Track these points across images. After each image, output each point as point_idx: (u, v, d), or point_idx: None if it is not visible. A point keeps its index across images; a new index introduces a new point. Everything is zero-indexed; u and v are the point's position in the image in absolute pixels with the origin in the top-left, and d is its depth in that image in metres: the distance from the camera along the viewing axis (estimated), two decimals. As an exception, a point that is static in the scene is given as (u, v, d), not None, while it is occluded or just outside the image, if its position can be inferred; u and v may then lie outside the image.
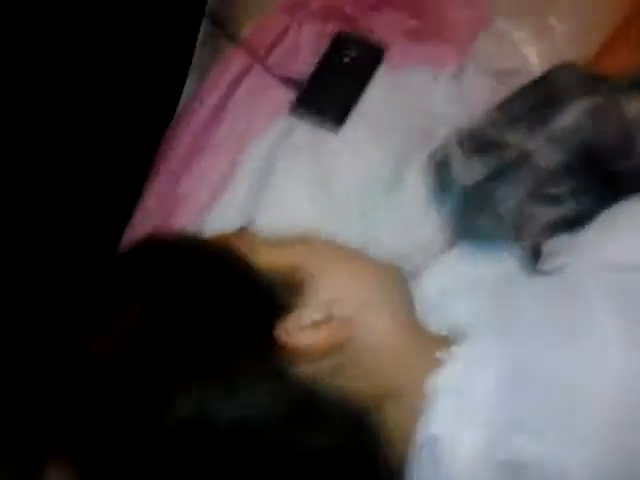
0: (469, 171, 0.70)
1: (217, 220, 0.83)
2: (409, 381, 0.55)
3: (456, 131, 0.72)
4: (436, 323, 0.65)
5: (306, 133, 0.85)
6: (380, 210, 0.80)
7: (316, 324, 0.54)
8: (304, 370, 0.52)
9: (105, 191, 1.12)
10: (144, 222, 0.85)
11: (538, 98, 0.70)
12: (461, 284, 0.67)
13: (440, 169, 0.73)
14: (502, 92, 0.73)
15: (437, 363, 0.56)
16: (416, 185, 0.79)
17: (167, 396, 0.51)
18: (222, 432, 0.51)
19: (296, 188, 0.82)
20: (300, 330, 0.53)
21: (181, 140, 0.86)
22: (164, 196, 0.86)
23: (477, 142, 0.70)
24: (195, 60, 0.96)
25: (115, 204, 0.94)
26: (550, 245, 0.63)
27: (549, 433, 0.48)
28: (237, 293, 0.54)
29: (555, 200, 0.66)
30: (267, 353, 0.52)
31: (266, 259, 0.57)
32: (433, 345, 0.58)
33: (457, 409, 0.52)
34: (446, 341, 0.59)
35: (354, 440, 0.52)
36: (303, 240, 0.61)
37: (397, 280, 0.63)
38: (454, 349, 0.56)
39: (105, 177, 1.12)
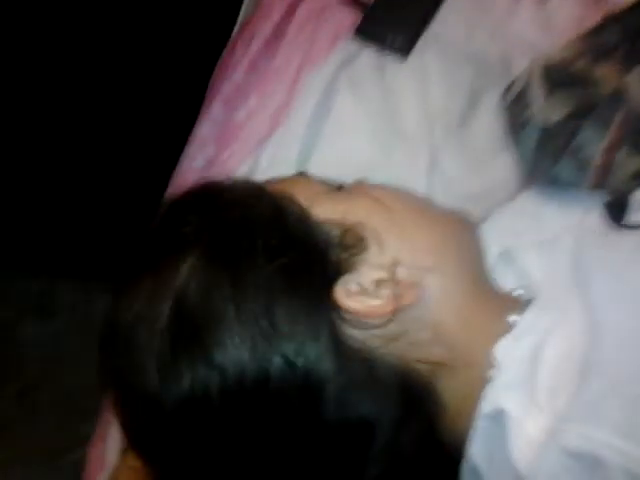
0: (550, 108, 0.63)
1: (274, 154, 0.78)
2: (475, 348, 0.50)
3: (537, 62, 0.65)
4: (506, 278, 0.60)
5: (370, 61, 0.78)
6: (449, 147, 0.74)
7: (378, 286, 0.49)
8: (362, 335, 0.48)
9: (159, 116, 1.10)
10: (199, 152, 0.81)
11: (634, 26, 0.62)
12: (535, 235, 0.62)
13: (517, 105, 0.66)
14: (591, 19, 0.65)
15: (507, 328, 0.51)
16: (489, 121, 0.72)
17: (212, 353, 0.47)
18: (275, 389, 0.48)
19: (358, 122, 0.76)
20: (360, 293, 0.49)
21: (237, 67, 0.80)
22: (219, 124, 0.81)
23: (561, 75, 0.63)
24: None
25: (169, 129, 0.90)
26: (638, 197, 0.57)
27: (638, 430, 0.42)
28: (295, 250, 0.49)
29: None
30: (324, 316, 0.48)
31: (326, 211, 0.52)
32: (503, 307, 0.53)
33: (526, 382, 0.47)
34: (518, 302, 0.54)
35: (411, 409, 0.48)
36: (365, 191, 0.56)
37: (467, 233, 0.57)
38: (526, 314, 0.51)
39: (159, 100, 1.11)
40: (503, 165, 0.71)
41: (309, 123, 0.78)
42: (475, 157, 0.73)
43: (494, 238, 0.61)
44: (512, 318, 0.52)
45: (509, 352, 0.49)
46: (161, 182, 0.82)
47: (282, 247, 0.49)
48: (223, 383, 0.46)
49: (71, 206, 1.27)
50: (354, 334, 0.48)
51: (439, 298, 0.51)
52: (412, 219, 0.54)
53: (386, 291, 0.49)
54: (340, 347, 0.48)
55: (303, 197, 0.53)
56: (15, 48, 1.10)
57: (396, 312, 0.49)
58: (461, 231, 0.57)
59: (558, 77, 0.62)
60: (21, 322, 1.45)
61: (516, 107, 0.66)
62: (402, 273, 0.50)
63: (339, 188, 0.57)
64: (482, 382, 0.49)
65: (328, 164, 0.76)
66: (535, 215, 0.64)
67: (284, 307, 0.47)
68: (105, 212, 1.24)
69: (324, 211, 0.52)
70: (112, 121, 1.16)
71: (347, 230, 0.51)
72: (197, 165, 0.80)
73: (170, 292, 0.48)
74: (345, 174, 0.76)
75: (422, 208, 0.57)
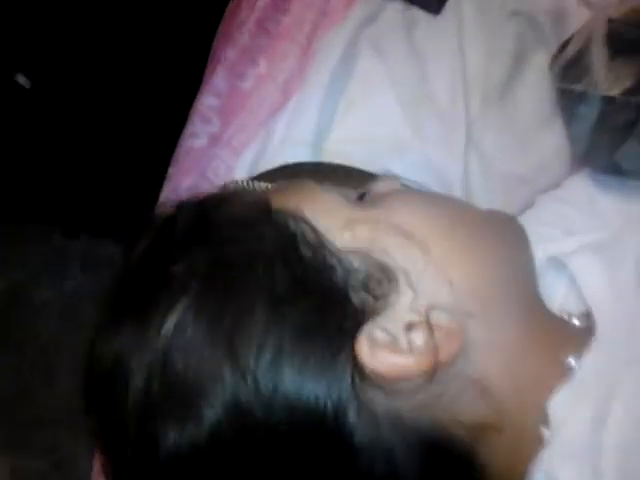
0: (613, 77, 0.51)
1: (288, 129, 0.68)
2: (527, 403, 0.41)
3: (600, 19, 0.53)
4: (556, 290, 0.50)
5: (396, 17, 0.67)
6: (488, 121, 0.62)
7: (409, 331, 0.39)
8: (389, 399, 0.39)
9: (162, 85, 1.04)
10: (201, 128, 0.70)
11: None
12: (589, 234, 0.51)
13: (571, 71, 0.54)
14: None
15: (563, 372, 0.41)
16: (536, 90, 0.61)
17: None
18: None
19: (382, 91, 0.65)
20: (388, 344, 0.39)
21: (241, 29, 0.69)
22: (224, 95, 0.70)
23: (628, 38, 0.51)
24: None
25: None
26: None
27: None
28: (307, 296, 0.40)
29: None
30: (341, 377, 0.39)
31: (346, 239, 0.42)
32: (558, 342, 0.43)
33: (589, 450, 0.38)
34: (574, 333, 0.44)
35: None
36: (395, 207, 0.45)
37: (517, 250, 0.47)
38: (587, 358, 0.41)
39: (161, 68, 1.07)
40: (551, 143, 0.60)
41: (326, 92, 0.67)
42: (519, 133, 0.62)
43: (539, 237, 0.51)
44: (570, 360, 0.42)
45: (567, 409, 0.40)
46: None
47: (292, 293, 0.40)
48: (213, 450, 0.39)
49: (82, 169, 1.26)
50: (379, 397, 0.39)
51: (486, 346, 0.41)
52: (453, 250, 0.43)
53: (420, 340, 0.39)
54: (362, 413, 0.39)
55: (317, 216, 0.43)
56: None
57: (433, 371, 0.39)
58: (511, 249, 0.46)
59: (626, 39, 0.51)
60: (36, 285, 1.42)
61: (570, 74, 0.55)
62: (440, 319, 0.40)
63: (361, 197, 0.47)
64: (534, 445, 0.40)
65: (349, 141, 0.66)
66: (589, 208, 0.53)
67: (292, 369, 0.38)
68: (114, 174, 1.23)
69: (344, 238, 0.42)
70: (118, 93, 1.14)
71: (373, 266, 0.41)
72: (199, 144, 0.70)
73: (153, 348, 0.40)
74: (369, 153, 0.67)
75: (464, 232, 0.45)
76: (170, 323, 0.40)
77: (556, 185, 0.58)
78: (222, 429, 0.38)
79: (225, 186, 0.63)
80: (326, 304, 0.39)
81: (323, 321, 0.39)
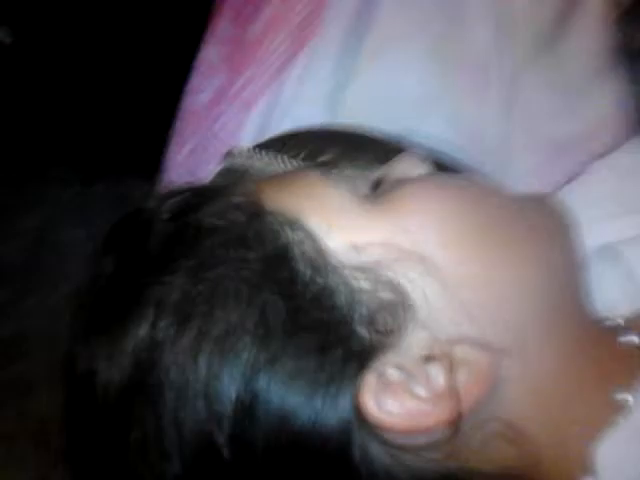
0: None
1: (301, 82, 0.59)
2: (567, 447, 0.34)
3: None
4: (608, 288, 0.42)
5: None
6: (532, 75, 0.53)
7: (427, 377, 0.33)
8: (402, 455, 0.33)
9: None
10: (205, 82, 0.63)
11: None
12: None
13: (633, 19, 0.46)
14: None
15: (613, 410, 0.35)
16: (592, 38, 0.51)
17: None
18: None
19: (408, 37, 0.56)
20: (400, 388, 0.33)
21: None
22: (229, 43, 0.62)
23: None
24: None
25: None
26: None
27: None
28: (303, 325, 0.33)
29: None
30: (343, 429, 0.32)
31: (353, 255, 0.35)
32: (610, 372, 0.36)
33: None
34: (633, 354, 0.37)
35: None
36: (408, 204, 0.37)
37: (560, 246, 0.39)
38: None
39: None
40: (607, 102, 0.51)
41: (344, 39, 0.58)
42: (569, 89, 0.53)
43: (589, 217, 0.43)
44: (624, 395, 0.35)
45: (618, 458, 0.33)
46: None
47: (283, 327, 0.33)
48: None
49: (100, 114, 1.26)
50: (384, 454, 0.33)
51: (520, 383, 0.34)
52: (477, 271, 0.36)
53: (441, 379, 0.32)
54: (365, 467, 0.32)
55: (319, 221, 0.35)
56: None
57: (457, 420, 0.32)
58: (550, 252, 0.38)
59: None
60: (61, 225, 1.41)
61: (632, 22, 0.46)
62: (465, 354, 0.33)
63: (376, 186, 0.39)
64: None
65: (369, 97, 0.58)
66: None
67: (277, 419, 0.32)
68: (130, 114, 1.22)
69: (350, 253, 0.35)
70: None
71: (385, 289, 0.34)
72: (204, 98, 0.63)
73: (124, 372, 0.35)
74: (391, 111, 0.58)
75: (491, 245, 0.37)
76: (143, 343, 0.34)
77: (611, 151, 0.50)
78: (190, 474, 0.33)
79: (228, 154, 0.56)
80: (326, 339, 0.33)
81: (321, 361, 0.32)
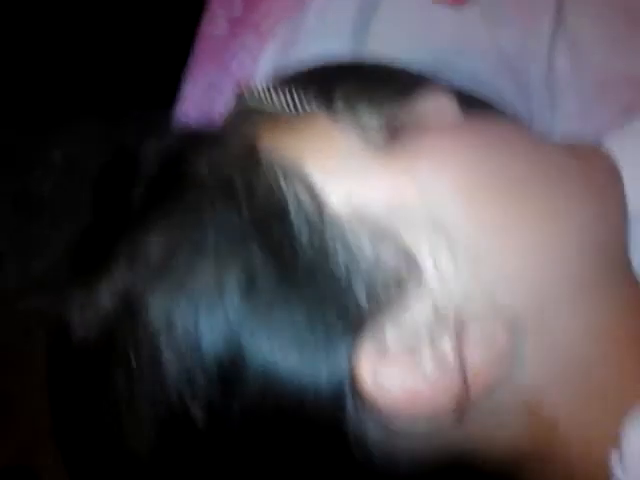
0: None
1: (325, 11, 0.54)
2: (592, 426, 0.30)
3: None
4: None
5: None
6: (577, 6, 0.46)
7: (434, 353, 0.29)
8: (403, 442, 0.29)
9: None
10: (220, 13, 0.57)
11: None
12: None
13: None
14: None
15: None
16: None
17: None
18: None
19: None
20: (401, 361, 0.29)
21: None
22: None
23: None
24: None
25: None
26: None
27: None
28: (295, 280, 0.29)
29: None
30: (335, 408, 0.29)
31: (356, 206, 0.30)
32: None
33: None
34: None
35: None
36: (425, 155, 0.32)
37: (604, 202, 0.34)
38: None
39: None
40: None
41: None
42: (627, 15, 0.46)
43: (635, 172, 0.38)
44: None
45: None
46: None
47: (273, 279, 0.29)
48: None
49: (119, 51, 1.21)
50: (387, 434, 0.29)
51: (541, 358, 0.30)
52: (500, 234, 0.31)
53: (450, 356, 0.28)
54: (358, 442, 0.29)
55: (322, 170, 0.31)
56: None
57: (465, 404, 0.28)
58: (591, 210, 0.33)
59: None
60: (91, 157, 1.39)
61: None
62: (477, 327, 0.29)
63: (392, 131, 0.34)
64: None
65: (397, 27, 0.52)
66: None
67: (261, 384, 0.29)
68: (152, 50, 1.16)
69: (354, 208, 0.30)
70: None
71: (389, 249, 0.29)
72: (220, 32, 0.58)
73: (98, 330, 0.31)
74: (420, 44, 0.52)
75: (520, 204, 0.32)
76: (118, 296, 0.31)
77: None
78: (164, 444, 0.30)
79: (239, 95, 0.51)
80: (320, 299, 0.29)
81: (312, 320, 0.29)
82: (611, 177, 0.35)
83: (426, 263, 0.29)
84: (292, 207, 0.30)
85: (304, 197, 0.30)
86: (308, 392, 0.28)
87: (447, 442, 0.29)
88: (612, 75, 0.47)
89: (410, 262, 0.29)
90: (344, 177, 0.31)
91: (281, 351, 0.29)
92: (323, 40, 0.53)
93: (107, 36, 1.22)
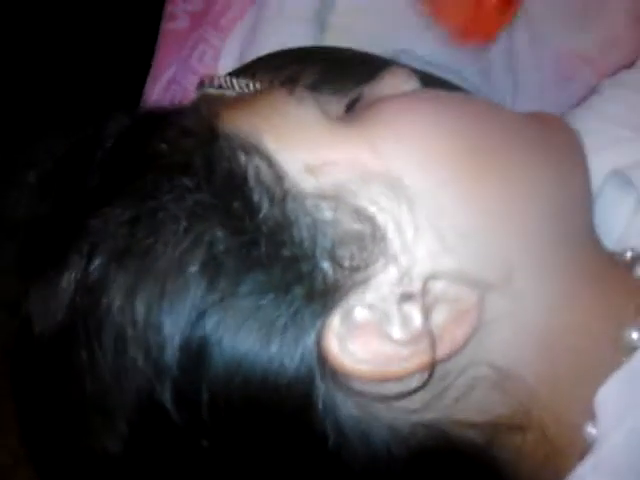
0: None
1: (276, 14, 0.53)
2: (565, 393, 0.30)
3: None
4: (618, 216, 0.37)
5: None
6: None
7: (404, 317, 0.28)
8: (372, 405, 0.29)
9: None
10: (180, 6, 0.58)
11: None
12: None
13: None
14: None
15: (621, 350, 0.30)
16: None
17: None
18: None
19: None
20: (369, 329, 0.28)
21: None
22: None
23: None
24: None
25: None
26: None
27: None
28: (257, 254, 0.29)
29: None
30: (304, 378, 0.28)
31: (317, 177, 0.30)
32: (617, 306, 0.31)
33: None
34: None
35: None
36: (383, 117, 0.32)
37: (567, 169, 0.34)
38: None
39: None
40: (623, 8, 0.45)
41: None
42: (577, 3, 0.47)
43: (600, 139, 0.38)
44: (632, 333, 0.30)
45: (622, 405, 0.29)
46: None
47: (235, 262, 0.28)
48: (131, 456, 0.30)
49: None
50: (359, 406, 0.28)
51: (510, 322, 0.30)
52: (463, 193, 0.31)
53: (418, 319, 0.28)
54: (331, 422, 0.28)
55: (281, 143, 0.31)
56: None
57: (432, 364, 0.28)
58: (555, 176, 0.33)
59: None
60: None
61: None
62: (444, 290, 0.29)
63: (349, 107, 0.34)
64: (575, 449, 0.29)
65: (359, 11, 0.52)
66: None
67: (226, 365, 0.28)
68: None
69: (313, 179, 0.30)
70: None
71: (352, 219, 0.29)
72: (180, 26, 0.57)
73: (58, 317, 0.30)
74: (382, 27, 0.52)
75: (481, 163, 0.31)
76: (78, 283, 0.30)
77: (629, 66, 0.44)
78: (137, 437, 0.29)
79: (200, 84, 0.51)
80: (285, 278, 0.28)
81: (278, 301, 0.28)
82: (572, 145, 0.35)
83: (389, 228, 0.29)
84: (251, 179, 0.29)
85: (263, 169, 0.30)
86: (277, 374, 0.28)
87: (419, 416, 0.29)
88: (568, 54, 0.47)
89: (373, 228, 0.29)
90: (302, 147, 0.31)
91: (247, 336, 0.28)
92: (283, 27, 0.53)
93: (70, 49, 1.20)
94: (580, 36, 0.47)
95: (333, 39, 0.52)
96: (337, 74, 0.46)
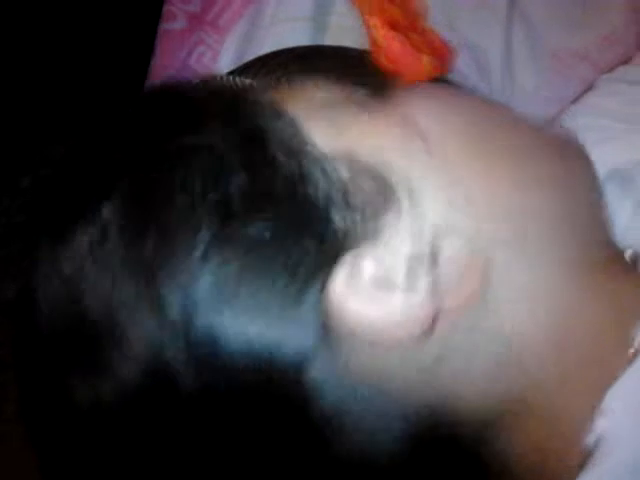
0: None
1: (275, 13, 0.54)
2: (574, 381, 0.30)
3: None
4: (620, 214, 0.38)
5: None
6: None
7: (412, 270, 0.28)
8: (376, 360, 0.28)
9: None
10: (178, 7, 0.58)
11: None
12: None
13: None
14: None
15: (627, 347, 0.30)
16: None
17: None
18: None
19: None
20: (375, 283, 0.28)
21: None
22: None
23: None
24: None
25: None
26: None
27: None
28: (273, 205, 0.29)
29: None
30: (310, 327, 0.28)
31: (332, 139, 0.31)
32: (631, 301, 0.32)
33: None
34: None
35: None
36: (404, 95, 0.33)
37: (571, 159, 0.35)
38: None
39: None
40: (614, 13, 0.45)
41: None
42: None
43: (598, 137, 0.39)
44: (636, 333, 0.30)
45: (632, 406, 0.28)
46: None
47: (248, 206, 0.29)
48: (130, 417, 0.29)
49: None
50: (363, 358, 0.28)
51: (519, 291, 0.30)
52: (480, 156, 0.32)
53: (424, 276, 0.28)
54: (336, 377, 0.28)
55: (302, 110, 0.31)
56: None
57: (438, 322, 0.28)
58: (562, 159, 0.34)
59: None
60: None
61: None
62: (453, 247, 0.29)
63: (373, 93, 0.35)
64: (580, 446, 0.29)
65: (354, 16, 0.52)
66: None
67: (236, 309, 0.28)
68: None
69: (331, 140, 0.30)
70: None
71: (365, 177, 0.30)
72: (178, 27, 0.57)
73: (62, 275, 0.30)
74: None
75: (499, 136, 0.33)
76: (85, 241, 0.30)
77: (627, 62, 0.45)
78: (139, 390, 0.29)
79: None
80: (296, 223, 0.28)
81: (287, 245, 0.28)
82: (578, 153, 0.36)
83: (400, 186, 0.29)
84: (273, 137, 0.30)
85: (285, 130, 0.30)
86: (289, 324, 0.28)
87: (416, 395, 0.29)
88: (565, 52, 0.48)
89: (388, 193, 0.29)
90: (326, 120, 0.31)
91: (256, 295, 0.28)
92: (282, 27, 0.53)
93: (69, 48, 1.21)
94: (577, 33, 0.47)
95: (333, 39, 0.53)
96: (346, 71, 0.47)
